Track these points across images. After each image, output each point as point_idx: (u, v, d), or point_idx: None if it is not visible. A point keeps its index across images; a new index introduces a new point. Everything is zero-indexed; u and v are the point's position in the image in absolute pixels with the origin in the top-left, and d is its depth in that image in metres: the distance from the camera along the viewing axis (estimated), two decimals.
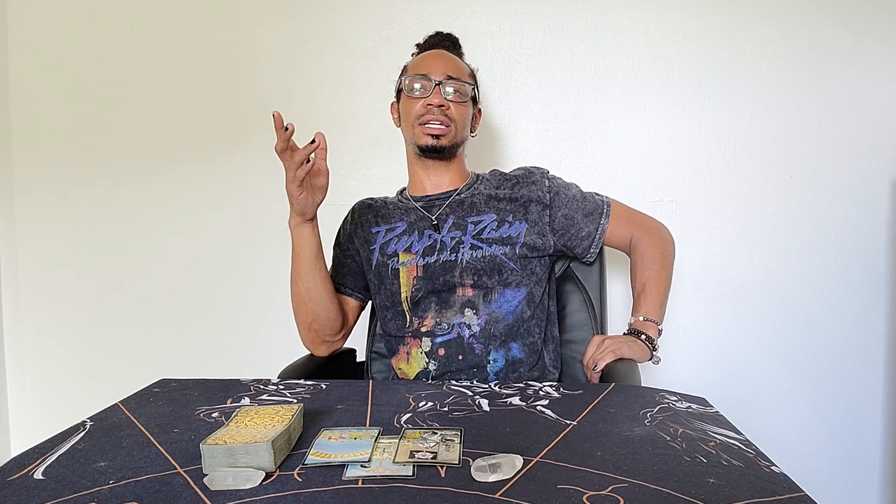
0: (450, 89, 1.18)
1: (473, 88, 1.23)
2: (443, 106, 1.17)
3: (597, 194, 1.28)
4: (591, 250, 1.25)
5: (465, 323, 1.16)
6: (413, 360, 1.19)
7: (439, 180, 1.26)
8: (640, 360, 1.12)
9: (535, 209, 1.22)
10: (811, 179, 1.64)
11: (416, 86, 1.19)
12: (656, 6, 1.65)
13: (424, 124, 1.18)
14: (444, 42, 1.29)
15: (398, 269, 1.21)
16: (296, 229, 1.14)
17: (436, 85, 1.18)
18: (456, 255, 1.18)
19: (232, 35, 1.77)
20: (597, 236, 1.24)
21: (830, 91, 1.62)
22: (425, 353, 1.17)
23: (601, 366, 1.09)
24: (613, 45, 1.67)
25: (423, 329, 1.18)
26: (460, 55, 1.30)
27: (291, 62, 1.76)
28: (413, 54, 1.31)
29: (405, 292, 1.20)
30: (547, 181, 1.25)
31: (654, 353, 1.15)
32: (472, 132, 1.28)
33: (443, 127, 1.18)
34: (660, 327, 1.18)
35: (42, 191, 1.86)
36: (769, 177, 1.65)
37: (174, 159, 1.81)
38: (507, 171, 1.30)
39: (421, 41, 1.32)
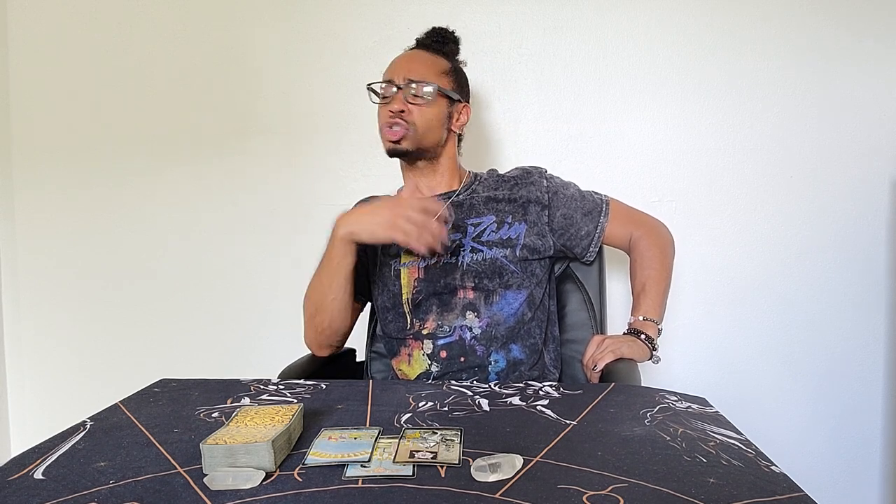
0: (413, 95, 1.17)
1: (439, 88, 1.18)
2: (403, 111, 1.16)
3: (595, 193, 1.28)
4: (591, 250, 1.25)
5: (466, 325, 1.16)
6: (414, 362, 1.19)
7: (430, 182, 1.25)
8: (640, 360, 1.12)
9: (533, 210, 1.21)
10: (811, 179, 1.64)
11: (379, 91, 1.20)
12: (656, 6, 1.64)
13: (386, 128, 1.18)
14: (429, 38, 1.27)
15: (400, 270, 1.21)
16: (349, 245, 1.10)
17: (398, 90, 1.17)
18: (456, 258, 1.18)
19: (232, 35, 1.77)
20: (596, 235, 1.24)
21: (830, 91, 1.62)
22: (427, 355, 1.17)
23: (601, 366, 1.09)
24: (613, 45, 1.66)
25: (425, 331, 1.18)
26: (447, 52, 1.26)
27: (291, 62, 1.76)
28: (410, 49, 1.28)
29: (406, 294, 1.20)
30: (545, 181, 1.24)
31: (654, 352, 1.15)
32: (455, 129, 1.25)
33: (399, 129, 1.16)
34: (659, 327, 1.18)
35: (42, 191, 1.86)
36: (769, 177, 1.65)
37: (174, 159, 1.81)
38: (504, 172, 1.30)
39: (422, 37, 1.29)
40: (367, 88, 1.22)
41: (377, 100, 1.21)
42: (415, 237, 1.01)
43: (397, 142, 1.18)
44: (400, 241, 1.04)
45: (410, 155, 1.20)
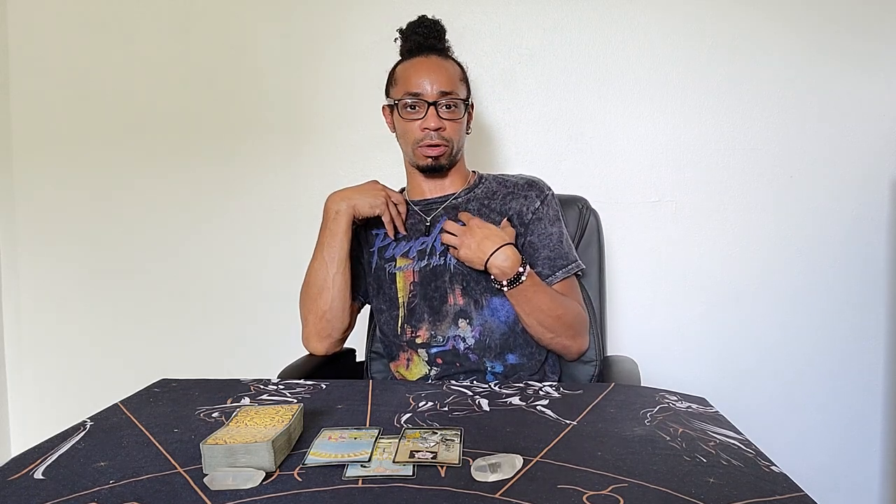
0: (445, 108, 1.15)
1: (467, 97, 1.19)
2: (440, 128, 1.15)
3: (574, 253, 1.21)
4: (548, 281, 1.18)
5: (459, 335, 1.16)
6: (413, 367, 1.19)
7: (438, 185, 1.24)
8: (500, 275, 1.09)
9: (514, 221, 1.19)
10: (811, 179, 1.64)
11: (410, 107, 1.16)
12: (656, 6, 1.64)
13: (423, 146, 1.16)
14: (430, 39, 1.21)
15: (395, 273, 1.21)
16: (349, 220, 1.17)
17: (430, 105, 1.14)
18: (445, 260, 1.17)
19: (232, 35, 1.77)
20: (546, 281, 1.16)
21: (830, 91, 1.62)
22: (426, 361, 1.18)
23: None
24: (613, 45, 1.66)
25: (419, 340, 1.18)
26: (448, 49, 1.23)
27: (291, 62, 1.76)
28: (395, 40, 1.24)
29: (402, 297, 1.20)
30: (538, 202, 1.19)
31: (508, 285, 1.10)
32: (469, 132, 1.25)
33: (441, 148, 1.16)
34: (521, 270, 1.10)
35: (42, 191, 1.86)
36: (769, 177, 1.65)
37: (175, 159, 1.81)
38: (511, 175, 1.27)
39: (403, 27, 1.23)
40: (396, 105, 1.18)
41: (406, 115, 1.16)
42: (397, 218, 1.19)
43: (437, 158, 1.17)
44: (386, 216, 1.18)
45: (444, 168, 1.20)
